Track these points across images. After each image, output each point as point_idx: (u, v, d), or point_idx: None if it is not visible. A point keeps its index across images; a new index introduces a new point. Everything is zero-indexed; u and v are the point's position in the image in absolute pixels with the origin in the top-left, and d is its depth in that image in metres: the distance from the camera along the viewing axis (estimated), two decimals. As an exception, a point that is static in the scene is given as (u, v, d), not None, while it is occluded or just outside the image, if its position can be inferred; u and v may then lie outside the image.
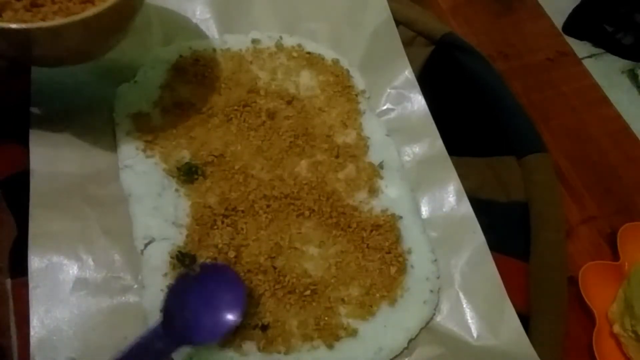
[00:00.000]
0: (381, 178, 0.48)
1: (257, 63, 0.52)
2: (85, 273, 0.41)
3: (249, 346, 0.40)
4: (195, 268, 0.40)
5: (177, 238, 0.43)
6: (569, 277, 0.47)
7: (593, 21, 1.40)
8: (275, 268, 0.43)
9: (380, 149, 0.50)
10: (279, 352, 0.40)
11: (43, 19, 0.39)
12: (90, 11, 0.37)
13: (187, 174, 0.45)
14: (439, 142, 0.51)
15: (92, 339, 0.39)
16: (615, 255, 0.49)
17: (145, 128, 0.47)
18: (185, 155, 0.47)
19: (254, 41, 0.53)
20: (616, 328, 0.45)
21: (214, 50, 0.52)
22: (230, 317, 0.38)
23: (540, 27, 0.64)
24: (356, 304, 0.43)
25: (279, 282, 0.42)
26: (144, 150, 0.46)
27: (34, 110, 0.46)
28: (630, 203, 0.53)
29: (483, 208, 0.48)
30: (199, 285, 0.39)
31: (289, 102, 0.50)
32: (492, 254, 0.46)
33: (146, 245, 0.43)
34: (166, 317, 0.37)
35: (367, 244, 0.45)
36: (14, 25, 0.36)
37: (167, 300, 0.38)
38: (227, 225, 0.44)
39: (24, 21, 0.38)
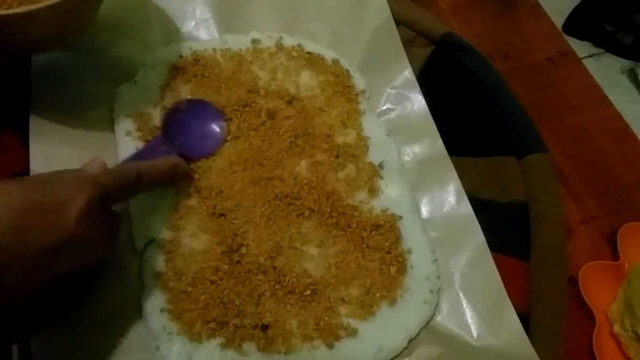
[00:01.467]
0: (381, 178, 0.48)
1: (257, 63, 0.52)
2: (85, 273, 0.41)
3: (249, 346, 0.40)
4: (183, 103, 0.48)
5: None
6: (569, 277, 0.47)
7: (593, 21, 1.40)
8: (275, 268, 0.43)
9: (380, 149, 0.50)
10: (279, 352, 0.40)
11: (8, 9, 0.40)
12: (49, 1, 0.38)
13: None
14: (439, 142, 0.51)
15: (92, 340, 0.39)
16: (615, 255, 0.49)
17: (145, 128, 0.47)
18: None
19: (254, 41, 0.53)
20: (616, 328, 0.45)
21: (214, 50, 0.52)
22: (215, 135, 0.47)
23: (540, 27, 0.64)
24: (356, 304, 0.43)
25: (279, 282, 0.42)
26: (144, 150, 0.46)
27: (34, 110, 0.46)
28: (630, 203, 0.53)
29: (483, 208, 0.48)
30: (188, 114, 0.47)
31: (289, 102, 0.50)
32: (492, 254, 0.46)
33: (146, 245, 0.43)
34: (165, 134, 0.46)
35: (367, 244, 0.45)
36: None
37: (164, 122, 0.46)
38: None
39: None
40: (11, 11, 0.38)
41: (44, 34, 0.42)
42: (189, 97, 0.49)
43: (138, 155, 0.44)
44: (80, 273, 0.35)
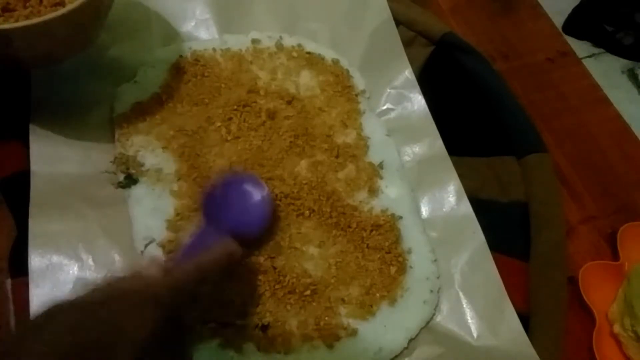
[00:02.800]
0: (381, 178, 0.48)
1: (257, 63, 0.52)
2: (85, 273, 0.41)
3: (249, 346, 0.40)
4: (218, 185, 0.44)
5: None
6: (569, 277, 0.47)
7: (593, 21, 1.40)
8: (275, 268, 0.43)
9: (380, 149, 0.50)
10: (279, 352, 0.40)
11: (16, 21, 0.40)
12: (59, 12, 0.38)
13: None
14: (439, 142, 0.51)
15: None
16: (615, 255, 0.49)
17: (145, 128, 0.47)
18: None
19: (254, 41, 0.53)
20: (616, 328, 0.45)
21: (214, 50, 0.52)
22: (259, 212, 0.43)
23: (540, 27, 0.64)
24: (356, 304, 0.43)
25: (279, 282, 0.42)
26: (144, 150, 0.46)
27: (34, 110, 0.46)
28: (630, 203, 0.53)
29: (483, 208, 0.48)
30: (225, 195, 0.43)
31: (289, 102, 0.50)
32: (492, 254, 0.46)
33: (146, 245, 0.43)
34: (208, 219, 0.42)
35: (367, 244, 0.45)
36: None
37: (204, 205, 0.42)
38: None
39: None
40: (20, 24, 0.38)
41: (52, 46, 0.41)
42: (226, 176, 0.45)
43: (190, 248, 0.40)
44: None
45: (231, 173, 0.46)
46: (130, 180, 0.45)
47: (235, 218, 0.42)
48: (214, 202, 0.42)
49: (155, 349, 0.30)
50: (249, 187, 0.44)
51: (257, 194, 0.44)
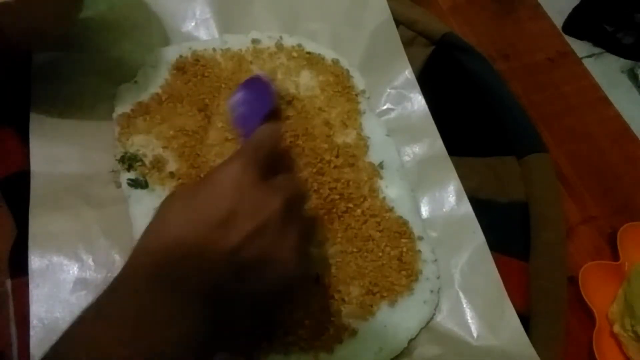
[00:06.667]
0: (381, 178, 0.48)
1: (257, 63, 0.52)
2: (85, 273, 0.41)
3: (249, 347, 0.40)
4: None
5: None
6: (569, 277, 0.47)
7: (593, 21, 1.40)
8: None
9: (380, 149, 0.50)
10: (279, 353, 0.40)
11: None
12: None
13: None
14: (439, 142, 0.51)
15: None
16: (615, 255, 0.49)
17: (146, 128, 0.47)
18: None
19: (254, 41, 0.53)
20: (616, 328, 0.45)
21: (214, 50, 0.52)
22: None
23: (540, 27, 0.64)
24: (356, 304, 0.43)
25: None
26: (144, 150, 0.46)
27: (34, 110, 0.46)
28: (630, 203, 0.53)
29: (483, 208, 0.48)
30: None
31: (289, 102, 0.50)
32: (492, 254, 0.46)
33: (146, 245, 0.43)
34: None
35: (367, 244, 0.45)
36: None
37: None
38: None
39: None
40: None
41: (34, 19, 0.41)
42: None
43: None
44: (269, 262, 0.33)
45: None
46: (137, 183, 0.45)
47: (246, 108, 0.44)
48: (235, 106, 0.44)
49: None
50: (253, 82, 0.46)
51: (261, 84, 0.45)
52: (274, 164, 0.36)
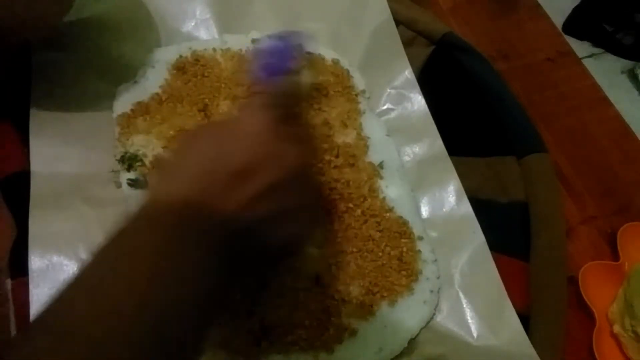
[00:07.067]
0: (381, 178, 0.48)
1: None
2: (85, 273, 0.41)
3: (249, 347, 0.40)
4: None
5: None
6: (569, 277, 0.47)
7: (593, 21, 1.40)
8: (275, 268, 0.43)
9: (380, 149, 0.50)
10: (279, 353, 0.40)
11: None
12: None
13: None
14: (439, 142, 0.51)
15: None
16: (615, 255, 0.49)
17: (146, 128, 0.47)
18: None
19: (254, 41, 0.53)
20: (616, 328, 0.45)
21: (214, 50, 0.52)
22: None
23: (540, 27, 0.64)
24: (356, 304, 0.43)
25: (279, 282, 0.42)
26: (144, 150, 0.46)
27: (34, 109, 0.46)
28: (630, 203, 0.53)
29: (483, 208, 0.48)
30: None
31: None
32: (492, 254, 0.46)
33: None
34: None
35: (367, 244, 0.45)
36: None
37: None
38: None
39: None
40: None
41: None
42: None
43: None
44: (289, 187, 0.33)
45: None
46: (137, 183, 0.45)
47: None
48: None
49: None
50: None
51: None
52: (293, 118, 0.36)
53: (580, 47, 1.37)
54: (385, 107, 0.54)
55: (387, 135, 0.51)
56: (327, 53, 0.54)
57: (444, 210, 0.48)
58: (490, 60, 0.58)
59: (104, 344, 0.24)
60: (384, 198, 0.47)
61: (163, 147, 0.47)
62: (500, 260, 0.46)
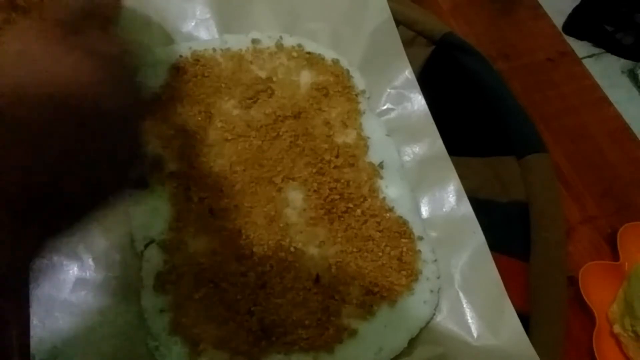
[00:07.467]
0: (381, 178, 0.48)
1: (257, 63, 0.52)
2: (85, 273, 0.41)
3: (249, 347, 0.40)
4: None
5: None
6: (569, 277, 0.47)
7: (593, 21, 1.40)
8: (272, 267, 0.43)
9: (380, 149, 0.50)
10: (279, 353, 0.40)
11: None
12: None
13: None
14: (439, 142, 0.51)
15: (93, 339, 0.39)
16: (615, 255, 0.49)
17: (145, 128, 0.47)
18: (185, 155, 0.46)
19: (254, 41, 0.53)
20: (616, 328, 0.45)
21: (214, 50, 0.52)
22: None
23: (540, 27, 0.64)
24: (356, 304, 0.43)
25: (279, 282, 0.42)
26: (144, 150, 0.46)
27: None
28: (630, 203, 0.53)
29: (483, 208, 0.48)
30: None
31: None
32: (492, 254, 0.46)
33: (146, 245, 0.43)
34: None
35: (367, 245, 0.45)
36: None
37: None
38: (227, 225, 0.44)
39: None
40: None
41: None
42: None
43: None
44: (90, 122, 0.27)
45: None
46: (139, 183, 0.45)
47: None
48: None
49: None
50: None
51: None
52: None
53: (580, 47, 1.37)
54: (385, 107, 0.54)
55: (387, 135, 0.51)
56: (327, 53, 0.54)
57: (444, 210, 0.48)
58: (490, 60, 0.58)
59: None
60: (384, 198, 0.47)
61: (163, 147, 0.47)
62: (500, 260, 0.46)
